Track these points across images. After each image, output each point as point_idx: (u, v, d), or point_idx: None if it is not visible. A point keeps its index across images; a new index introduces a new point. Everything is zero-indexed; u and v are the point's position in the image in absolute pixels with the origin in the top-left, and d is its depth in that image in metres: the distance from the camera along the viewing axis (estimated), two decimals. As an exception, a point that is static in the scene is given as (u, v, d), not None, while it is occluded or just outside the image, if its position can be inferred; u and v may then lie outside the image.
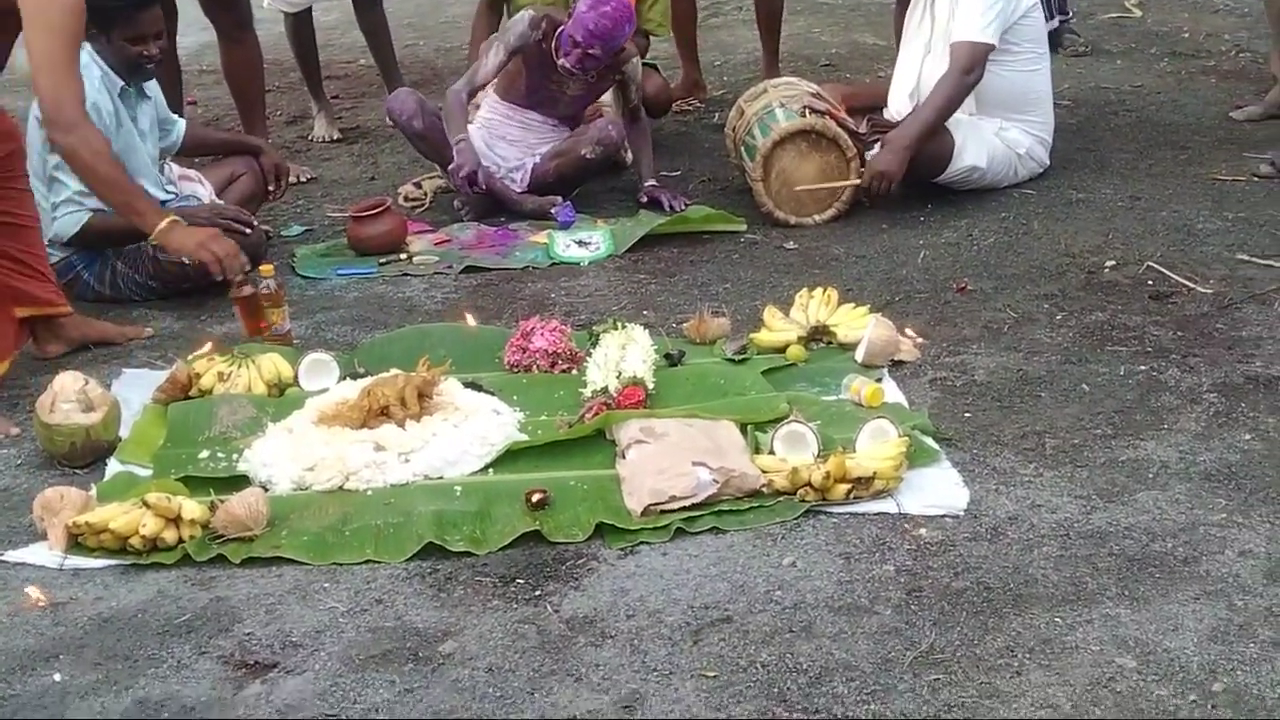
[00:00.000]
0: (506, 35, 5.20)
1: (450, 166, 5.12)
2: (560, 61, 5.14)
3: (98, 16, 4.22)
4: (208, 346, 3.98)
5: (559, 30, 5.14)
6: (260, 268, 4.23)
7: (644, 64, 6.10)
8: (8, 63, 4.13)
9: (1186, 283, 4.33)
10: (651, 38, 6.16)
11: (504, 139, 5.39)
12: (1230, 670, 2.60)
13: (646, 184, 5.29)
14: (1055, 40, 6.35)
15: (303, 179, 5.77)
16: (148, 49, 4.51)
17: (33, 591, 3.00)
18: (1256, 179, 5.23)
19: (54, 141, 3.84)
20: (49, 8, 3.74)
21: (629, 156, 5.74)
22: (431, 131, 5.28)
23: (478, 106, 5.47)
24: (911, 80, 5.25)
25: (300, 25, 6.39)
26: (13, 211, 4.11)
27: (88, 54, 4.35)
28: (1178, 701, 2.53)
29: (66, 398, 3.56)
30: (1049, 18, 5.96)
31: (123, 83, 4.54)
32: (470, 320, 4.21)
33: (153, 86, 4.75)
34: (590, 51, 5.07)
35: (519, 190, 5.34)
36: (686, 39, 6.68)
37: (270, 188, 5.00)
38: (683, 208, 5.15)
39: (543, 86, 5.31)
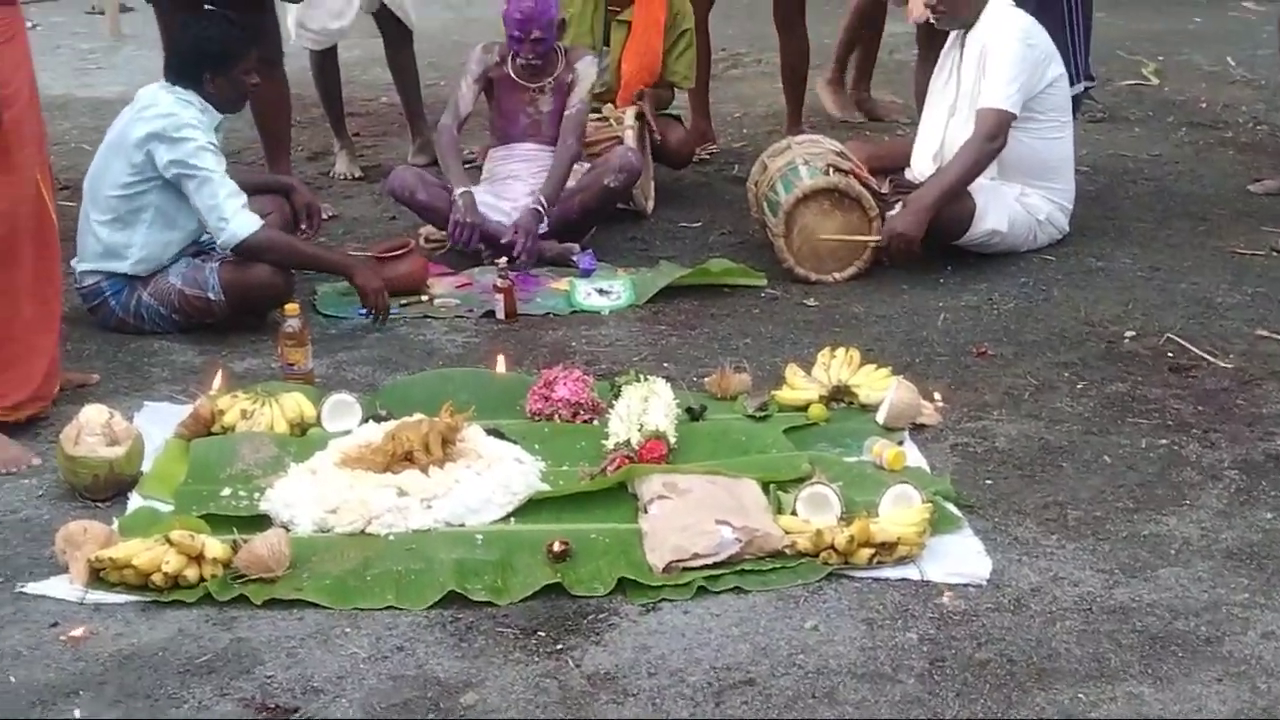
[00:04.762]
0: (468, 65, 5.54)
1: (453, 218, 5.14)
2: (518, 63, 5.40)
3: (220, 62, 4.57)
4: (219, 381, 4.01)
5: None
6: (285, 306, 4.24)
7: (667, 115, 6.16)
8: None
9: (1207, 356, 4.34)
10: (675, 90, 6.20)
11: (509, 178, 5.45)
12: (1254, 754, 2.60)
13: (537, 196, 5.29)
14: (1075, 105, 6.37)
15: (325, 216, 5.78)
16: (253, 76, 4.76)
17: (76, 631, 3.00)
18: (1276, 253, 5.23)
19: None
20: None
21: (649, 205, 5.78)
22: (436, 201, 5.31)
23: (478, 168, 5.64)
24: (935, 142, 5.27)
25: (325, 62, 6.43)
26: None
27: (186, 99, 4.53)
28: (1202, 784, 2.53)
29: (91, 430, 3.56)
30: (1074, 81, 5.97)
31: (221, 116, 4.67)
32: (501, 363, 4.22)
33: None
34: (533, 36, 5.31)
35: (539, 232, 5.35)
36: (699, 89, 6.70)
37: (302, 226, 4.99)
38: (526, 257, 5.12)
39: (519, 111, 5.49)
